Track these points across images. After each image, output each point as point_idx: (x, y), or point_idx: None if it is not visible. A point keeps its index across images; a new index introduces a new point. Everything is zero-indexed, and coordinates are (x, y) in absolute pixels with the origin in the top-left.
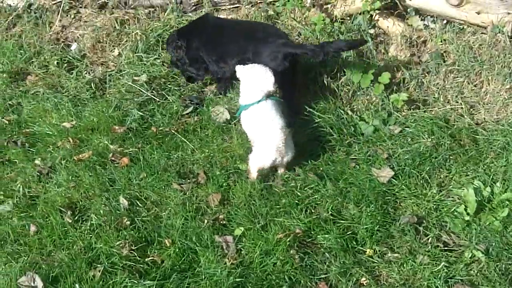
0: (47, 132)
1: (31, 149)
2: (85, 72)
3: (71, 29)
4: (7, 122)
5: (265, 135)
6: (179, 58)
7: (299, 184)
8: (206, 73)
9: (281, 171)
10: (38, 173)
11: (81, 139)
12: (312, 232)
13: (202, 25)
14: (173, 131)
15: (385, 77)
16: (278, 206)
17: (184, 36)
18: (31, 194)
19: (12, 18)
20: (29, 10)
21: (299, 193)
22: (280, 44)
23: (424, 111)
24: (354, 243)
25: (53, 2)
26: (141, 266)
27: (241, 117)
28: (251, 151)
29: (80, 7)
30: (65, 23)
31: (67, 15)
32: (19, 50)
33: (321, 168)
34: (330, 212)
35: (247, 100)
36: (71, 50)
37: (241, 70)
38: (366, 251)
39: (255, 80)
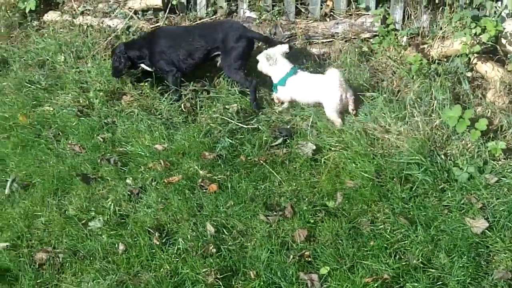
0: (139, 152)
1: (123, 168)
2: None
3: None
4: (101, 139)
5: (325, 85)
6: (120, 66)
7: (388, 227)
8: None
9: (351, 108)
10: (128, 192)
11: (171, 162)
12: (401, 279)
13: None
14: (261, 161)
15: (482, 123)
16: (365, 248)
17: (142, 46)
18: (121, 213)
19: (111, 38)
20: (127, 32)
21: (388, 236)
22: (244, 29)
23: None
24: None
25: (152, 27)
26: None
27: (283, 89)
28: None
29: None
30: None
31: None
32: None
33: (412, 212)
34: (420, 260)
35: (281, 73)
36: None
37: (263, 58)
38: None
39: (279, 56)
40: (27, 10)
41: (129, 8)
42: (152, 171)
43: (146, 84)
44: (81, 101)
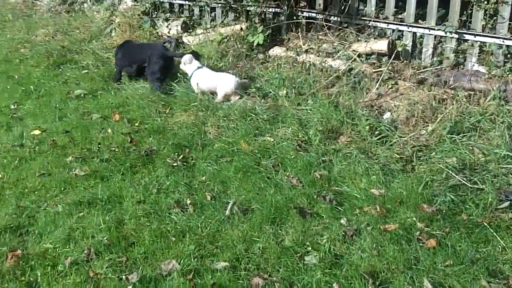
0: (355, 194)
1: (338, 208)
2: (395, 143)
3: (386, 99)
4: (318, 176)
5: (223, 79)
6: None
7: None
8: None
9: (235, 99)
10: (343, 233)
11: (388, 209)
12: None
13: (122, 46)
14: (484, 223)
15: None
16: None
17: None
18: (335, 252)
19: (332, 78)
20: (349, 74)
21: None
22: (165, 50)
23: None
24: None
25: (374, 71)
26: None
27: (193, 80)
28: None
29: (399, 79)
30: (382, 92)
31: (384, 84)
32: (335, 109)
33: None
34: None
35: (191, 70)
36: (383, 118)
37: (183, 61)
38: None
39: (190, 60)
40: (255, 44)
41: (353, 50)
42: (367, 215)
43: (366, 127)
44: (300, 136)
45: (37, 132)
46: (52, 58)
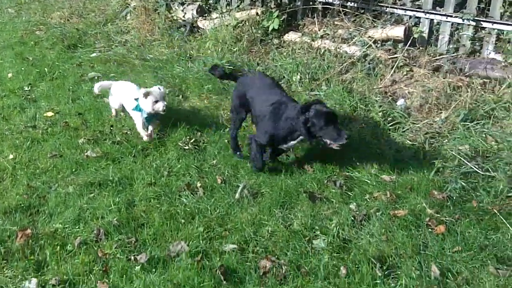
0: (366, 180)
1: (348, 193)
2: (408, 129)
3: (401, 86)
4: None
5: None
6: None
7: None
8: None
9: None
10: (352, 218)
11: (398, 195)
12: None
13: None
14: (494, 210)
15: None
16: None
17: None
18: (344, 237)
19: (347, 64)
20: (363, 60)
21: None
22: None
23: None
24: None
25: (389, 57)
26: None
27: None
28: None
29: (414, 66)
30: (396, 78)
31: (399, 71)
32: (348, 95)
33: None
34: None
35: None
36: (397, 105)
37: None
38: None
39: None
40: (270, 29)
41: (369, 37)
42: (377, 201)
43: (379, 114)
44: None
45: (50, 114)
46: (67, 41)
